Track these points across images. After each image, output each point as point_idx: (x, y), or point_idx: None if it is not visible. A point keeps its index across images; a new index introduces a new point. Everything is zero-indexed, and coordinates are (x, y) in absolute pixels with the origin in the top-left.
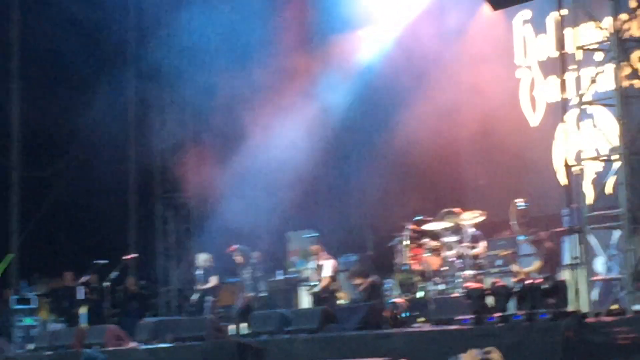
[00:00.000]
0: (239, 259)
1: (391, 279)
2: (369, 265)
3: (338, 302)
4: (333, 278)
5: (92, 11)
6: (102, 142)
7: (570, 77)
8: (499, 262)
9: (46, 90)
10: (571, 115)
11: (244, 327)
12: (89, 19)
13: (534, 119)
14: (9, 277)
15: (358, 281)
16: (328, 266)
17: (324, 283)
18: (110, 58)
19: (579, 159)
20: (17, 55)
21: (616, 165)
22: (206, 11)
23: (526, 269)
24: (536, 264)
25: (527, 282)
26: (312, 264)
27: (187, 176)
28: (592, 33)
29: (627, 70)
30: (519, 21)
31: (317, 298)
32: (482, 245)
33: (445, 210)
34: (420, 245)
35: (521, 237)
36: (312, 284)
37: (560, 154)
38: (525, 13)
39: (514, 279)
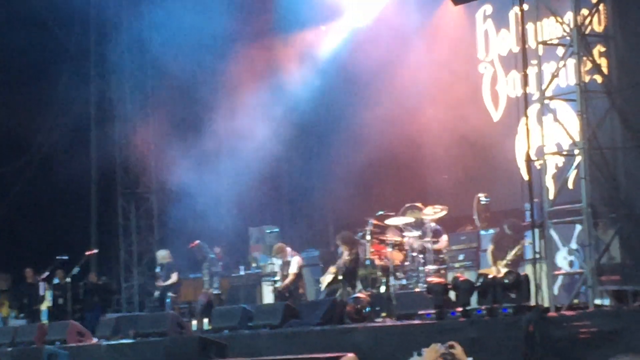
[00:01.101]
0: (198, 254)
1: None
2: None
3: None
4: (298, 275)
5: (52, 7)
6: (63, 138)
7: (531, 72)
8: (462, 256)
9: (6, 86)
10: (533, 110)
11: (206, 322)
12: (49, 16)
13: (497, 113)
14: None
15: (346, 248)
16: (294, 263)
17: (290, 279)
18: (70, 54)
19: (540, 153)
20: None
21: (577, 159)
22: (167, 6)
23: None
24: (517, 249)
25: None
26: (277, 261)
27: (149, 172)
28: (553, 28)
29: (588, 65)
30: (481, 16)
31: (281, 294)
32: (443, 240)
33: (408, 205)
34: (382, 240)
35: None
36: (275, 279)
37: (523, 149)
38: (487, 8)
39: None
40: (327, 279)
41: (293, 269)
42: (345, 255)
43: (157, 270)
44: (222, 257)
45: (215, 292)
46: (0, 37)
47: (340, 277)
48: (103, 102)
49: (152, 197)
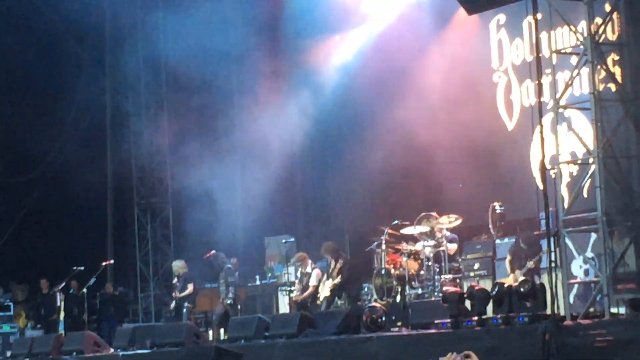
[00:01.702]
0: (215, 264)
1: (369, 283)
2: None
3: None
4: (317, 287)
5: (67, 19)
6: (78, 148)
7: (545, 81)
8: (477, 265)
9: (22, 98)
10: (547, 119)
11: (222, 332)
12: (64, 27)
13: (511, 122)
14: None
15: (332, 258)
16: (314, 275)
17: (309, 292)
18: (85, 65)
19: (555, 162)
20: None
21: (592, 168)
22: (182, 15)
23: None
24: (536, 258)
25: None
26: (294, 269)
27: (165, 182)
28: (567, 37)
29: (603, 74)
30: (495, 25)
31: (298, 306)
32: (454, 248)
33: (423, 214)
34: (397, 250)
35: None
36: (292, 288)
37: (538, 158)
38: (501, 17)
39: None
40: (324, 292)
41: (313, 282)
42: (332, 266)
43: (174, 280)
44: (238, 267)
45: (229, 301)
46: (15, 50)
47: (337, 292)
48: (118, 113)
49: (168, 207)
